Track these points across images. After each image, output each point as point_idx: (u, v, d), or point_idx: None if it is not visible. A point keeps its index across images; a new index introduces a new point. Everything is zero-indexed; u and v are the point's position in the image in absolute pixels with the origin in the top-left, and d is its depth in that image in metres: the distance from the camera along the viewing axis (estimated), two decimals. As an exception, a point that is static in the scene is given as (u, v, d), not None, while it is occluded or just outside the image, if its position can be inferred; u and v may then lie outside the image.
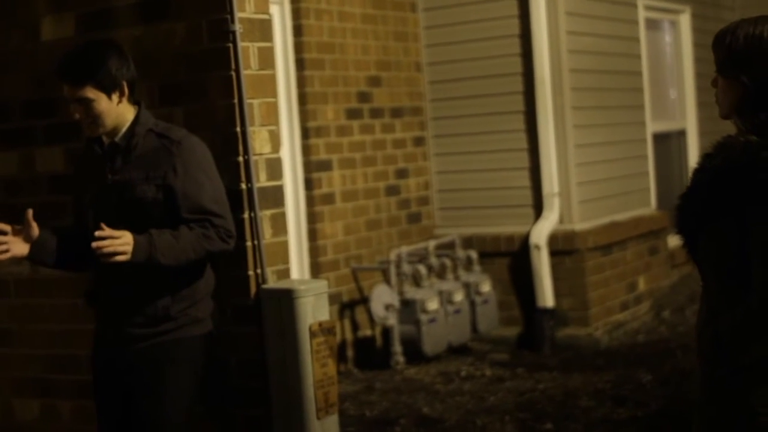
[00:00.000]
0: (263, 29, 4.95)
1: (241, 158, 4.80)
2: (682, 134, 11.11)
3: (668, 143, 10.87)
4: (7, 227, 4.17)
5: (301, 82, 8.14)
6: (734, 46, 3.00)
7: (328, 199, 8.29)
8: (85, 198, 4.31)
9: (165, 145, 4.20)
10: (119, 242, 3.99)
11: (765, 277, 2.85)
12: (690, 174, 3.14)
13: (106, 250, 3.97)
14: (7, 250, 4.15)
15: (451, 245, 8.96)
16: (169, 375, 4.17)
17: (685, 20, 11.10)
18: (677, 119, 11.08)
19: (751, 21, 3.02)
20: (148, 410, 4.19)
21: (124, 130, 4.22)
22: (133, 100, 4.27)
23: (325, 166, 8.28)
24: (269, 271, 4.86)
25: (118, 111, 4.19)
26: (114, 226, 4.09)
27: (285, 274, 4.99)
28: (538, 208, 8.90)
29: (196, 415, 4.36)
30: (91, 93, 4.13)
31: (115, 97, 4.16)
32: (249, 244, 4.81)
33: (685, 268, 10.10)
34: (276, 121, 5.01)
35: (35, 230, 4.20)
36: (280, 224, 4.97)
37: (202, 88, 4.88)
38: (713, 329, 3.02)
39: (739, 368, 2.97)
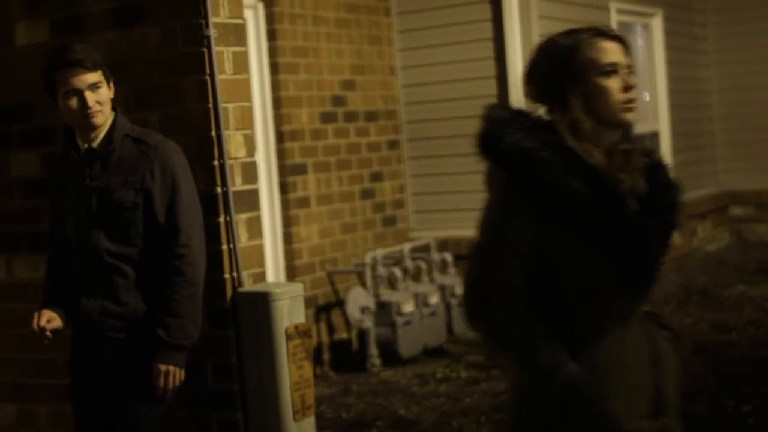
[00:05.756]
0: (237, 34, 4.97)
1: (216, 162, 4.81)
2: (655, 136, 11.17)
3: (641, 145, 10.91)
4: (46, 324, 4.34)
5: (276, 86, 8.17)
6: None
7: (304, 202, 8.32)
8: (64, 205, 4.33)
9: (142, 150, 4.23)
10: (171, 381, 4.17)
11: (474, 259, 2.89)
12: None
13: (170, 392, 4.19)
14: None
15: (426, 248, 9.00)
16: (147, 379, 4.18)
17: (657, 23, 11.17)
18: (650, 122, 11.15)
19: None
20: (126, 415, 4.20)
21: (102, 135, 4.24)
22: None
23: (300, 169, 8.30)
24: (245, 275, 4.88)
25: (110, 104, 4.25)
26: (93, 232, 4.14)
27: (261, 277, 5.01)
28: (512, 211, 8.92)
29: (175, 420, 4.38)
30: (102, 77, 4.21)
31: (111, 86, 4.26)
32: (225, 247, 4.82)
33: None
34: (251, 125, 5.03)
35: (57, 322, 4.37)
36: (255, 228, 4.99)
37: (177, 93, 4.89)
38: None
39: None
